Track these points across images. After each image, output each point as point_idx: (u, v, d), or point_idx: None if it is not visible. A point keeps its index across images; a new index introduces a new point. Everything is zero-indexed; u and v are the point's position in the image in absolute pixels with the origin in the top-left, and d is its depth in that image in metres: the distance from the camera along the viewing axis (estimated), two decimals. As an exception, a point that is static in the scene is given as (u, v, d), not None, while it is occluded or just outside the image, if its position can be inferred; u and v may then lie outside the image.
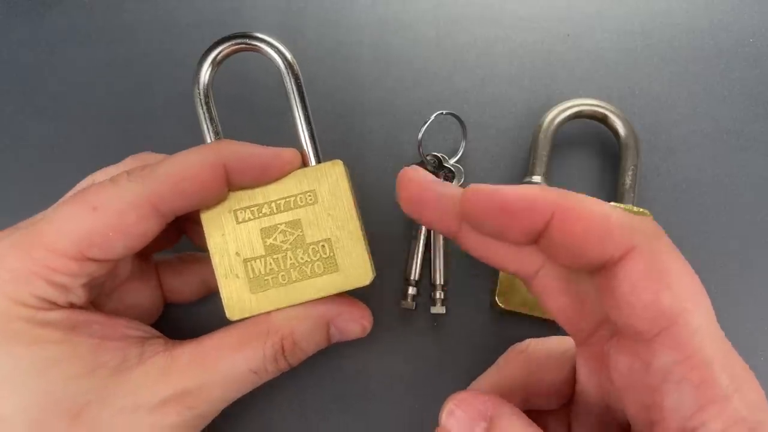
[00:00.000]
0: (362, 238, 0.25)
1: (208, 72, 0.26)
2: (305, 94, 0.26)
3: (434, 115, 0.31)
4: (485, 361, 0.31)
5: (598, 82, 0.34)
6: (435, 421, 0.31)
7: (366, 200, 0.33)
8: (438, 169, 0.32)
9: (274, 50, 0.26)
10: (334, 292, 0.25)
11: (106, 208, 0.22)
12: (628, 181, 0.30)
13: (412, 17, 0.35)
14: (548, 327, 0.30)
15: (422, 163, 0.31)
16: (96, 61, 0.35)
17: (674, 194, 0.32)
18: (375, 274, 0.25)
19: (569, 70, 0.34)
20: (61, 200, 0.25)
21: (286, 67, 0.26)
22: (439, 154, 0.32)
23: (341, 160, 0.25)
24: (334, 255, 0.25)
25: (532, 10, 0.35)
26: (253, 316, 0.25)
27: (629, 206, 0.29)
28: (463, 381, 0.30)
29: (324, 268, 0.25)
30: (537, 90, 0.34)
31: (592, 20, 0.35)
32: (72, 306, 0.23)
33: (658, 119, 0.33)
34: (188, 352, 0.24)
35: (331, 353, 0.31)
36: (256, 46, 0.26)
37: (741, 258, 0.31)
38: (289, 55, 0.26)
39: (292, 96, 0.26)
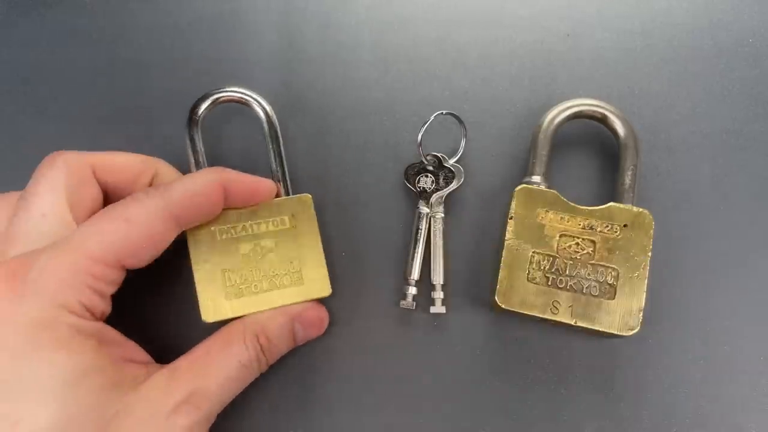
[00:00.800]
0: (323, 257, 0.30)
1: (201, 111, 0.30)
2: (281, 142, 0.31)
3: (434, 115, 0.31)
4: (485, 361, 0.31)
5: (598, 82, 0.34)
6: (435, 421, 0.31)
7: (366, 200, 0.33)
8: (438, 169, 0.32)
9: (257, 104, 0.30)
10: (299, 300, 0.29)
11: (138, 220, 0.25)
12: (627, 181, 0.30)
13: (412, 17, 0.35)
14: (548, 327, 0.30)
15: (422, 163, 0.32)
16: (96, 61, 0.35)
17: (674, 194, 0.32)
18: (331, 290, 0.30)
19: (569, 70, 0.34)
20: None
21: (266, 119, 0.30)
22: (439, 154, 0.32)
23: (310, 194, 0.30)
24: (300, 270, 0.29)
25: (532, 10, 0.35)
26: (227, 320, 0.28)
27: (629, 206, 0.29)
28: (463, 381, 0.30)
29: (291, 281, 0.29)
30: (537, 90, 0.34)
31: (592, 20, 0.35)
32: (102, 315, 0.25)
33: (658, 119, 0.33)
34: (184, 363, 0.26)
35: (332, 353, 0.31)
36: (242, 99, 0.30)
37: (741, 258, 0.31)
38: (268, 108, 0.30)
39: (270, 142, 0.30)
